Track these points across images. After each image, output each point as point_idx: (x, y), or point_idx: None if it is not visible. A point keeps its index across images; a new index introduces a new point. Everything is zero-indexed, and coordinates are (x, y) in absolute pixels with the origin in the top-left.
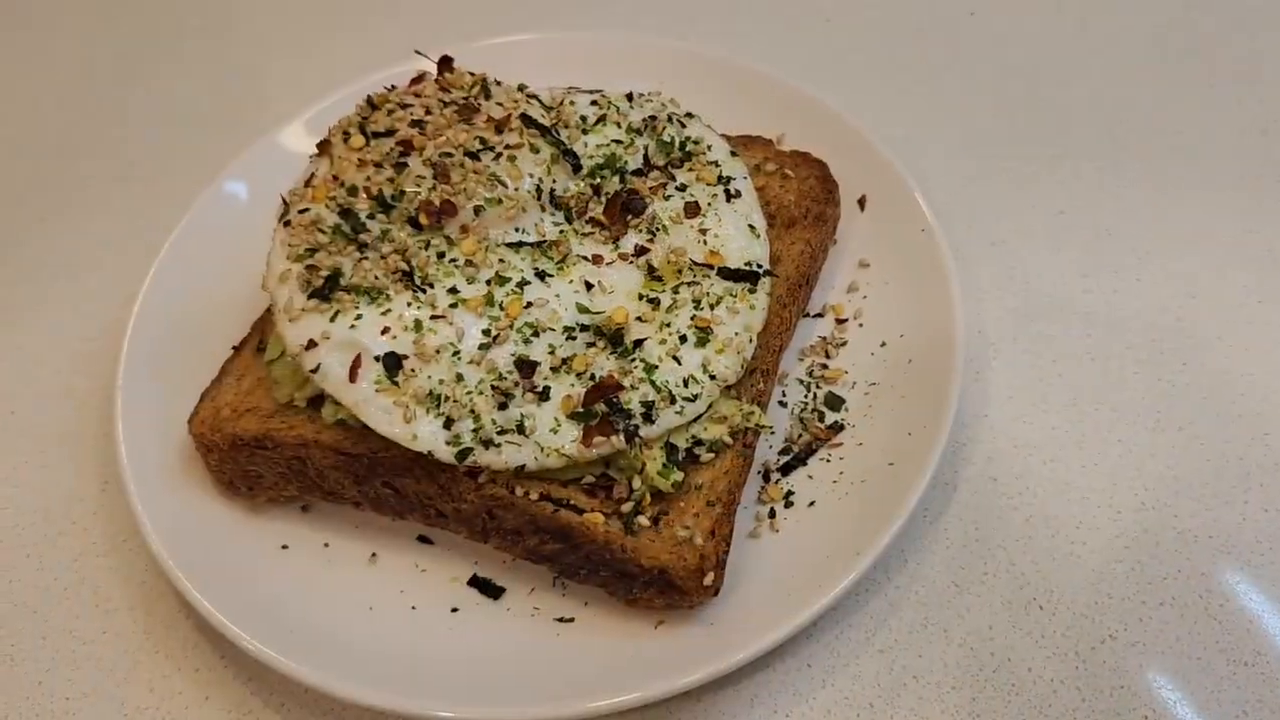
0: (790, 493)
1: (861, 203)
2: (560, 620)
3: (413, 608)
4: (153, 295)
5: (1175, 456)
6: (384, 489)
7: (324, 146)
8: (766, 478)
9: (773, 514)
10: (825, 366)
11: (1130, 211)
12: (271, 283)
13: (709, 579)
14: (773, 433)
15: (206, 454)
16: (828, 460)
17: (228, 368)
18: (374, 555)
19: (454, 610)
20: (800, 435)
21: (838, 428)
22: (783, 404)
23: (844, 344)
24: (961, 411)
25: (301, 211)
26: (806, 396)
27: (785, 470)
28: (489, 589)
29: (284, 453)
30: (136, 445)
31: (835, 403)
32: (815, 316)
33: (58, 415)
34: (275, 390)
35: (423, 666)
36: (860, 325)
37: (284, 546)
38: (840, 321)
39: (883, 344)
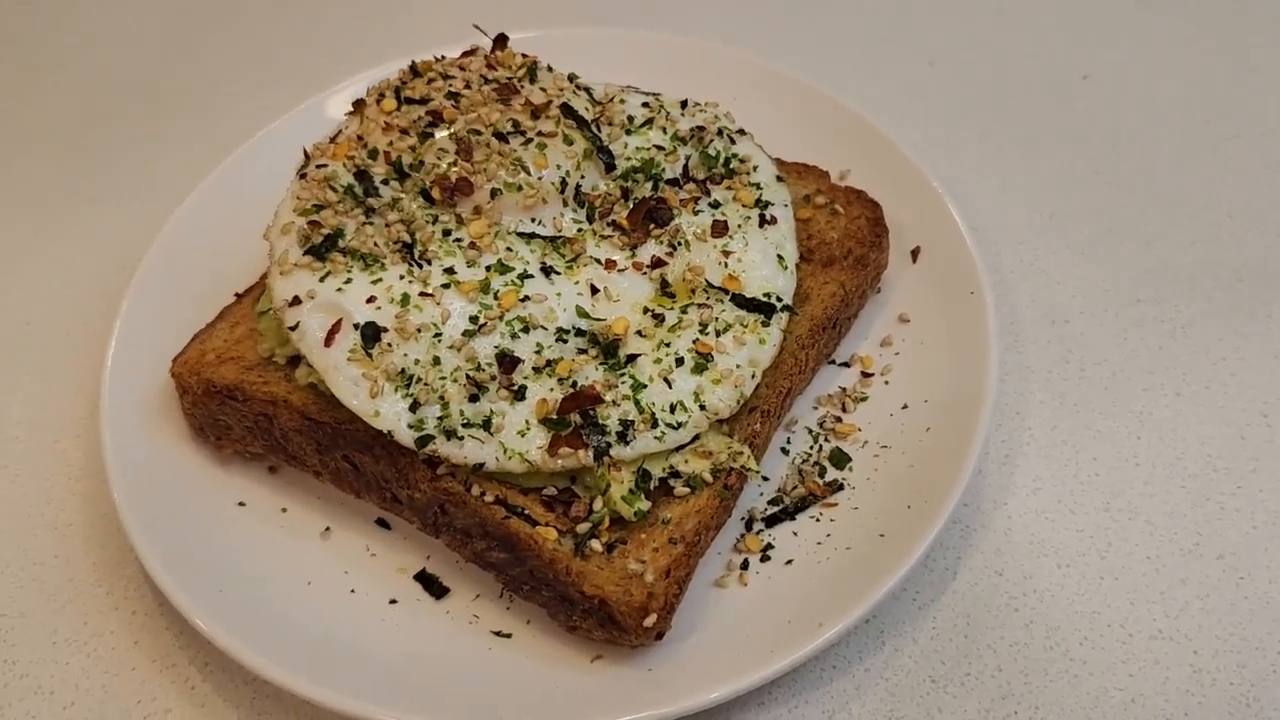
0: (769, 546)
1: (915, 254)
2: (497, 634)
3: (352, 591)
4: (175, 232)
5: (1208, 587)
6: (344, 462)
7: (359, 106)
8: (749, 526)
9: (746, 565)
10: (839, 419)
11: (1217, 313)
12: (273, 233)
13: (650, 620)
14: (765, 479)
15: (182, 395)
16: (817, 519)
17: (225, 313)
18: (328, 529)
19: (392, 602)
20: (795, 487)
21: (836, 487)
22: (785, 451)
23: (864, 399)
24: (979, 495)
25: (319, 167)
26: (812, 448)
27: (770, 522)
28: (433, 587)
29: (253, 407)
30: (124, 377)
31: (840, 460)
32: (841, 365)
33: (72, 334)
34: (259, 343)
35: (343, 654)
36: (886, 382)
37: (241, 504)
38: (866, 375)
39: (904, 406)
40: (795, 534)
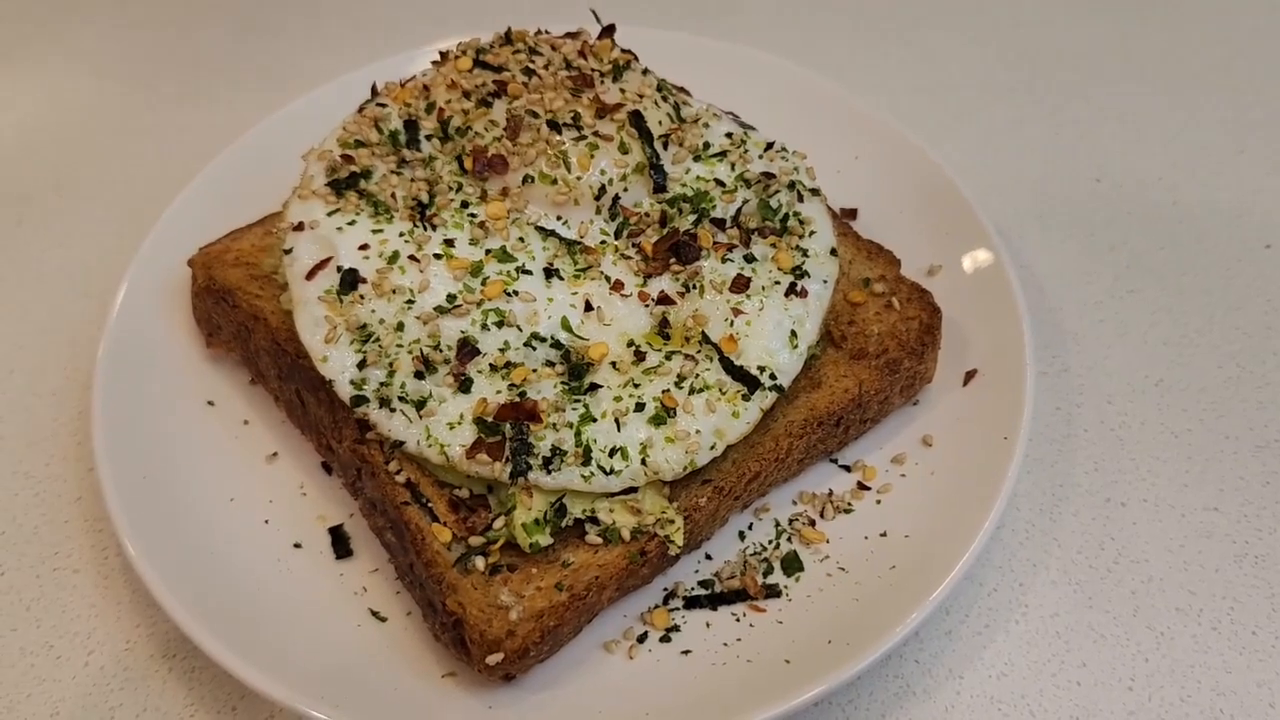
0: (675, 628)
1: (968, 377)
2: (374, 614)
3: (266, 522)
4: (267, 130)
5: None
6: (295, 396)
7: (445, 57)
8: (667, 599)
9: (643, 639)
10: (812, 523)
11: None
12: (311, 156)
13: (495, 659)
14: (708, 558)
15: (193, 283)
16: (738, 619)
17: (267, 220)
18: (276, 454)
19: (296, 545)
20: (731, 576)
21: (773, 593)
22: (742, 535)
23: (849, 511)
24: (937, 658)
25: (379, 105)
26: (770, 542)
27: (690, 604)
28: (341, 545)
29: (237, 315)
30: (163, 252)
31: (792, 566)
32: (842, 467)
33: (145, 201)
34: (268, 257)
35: (221, 578)
36: (878, 502)
37: (210, 403)
38: (862, 487)
39: (883, 534)
40: (708, 625)
